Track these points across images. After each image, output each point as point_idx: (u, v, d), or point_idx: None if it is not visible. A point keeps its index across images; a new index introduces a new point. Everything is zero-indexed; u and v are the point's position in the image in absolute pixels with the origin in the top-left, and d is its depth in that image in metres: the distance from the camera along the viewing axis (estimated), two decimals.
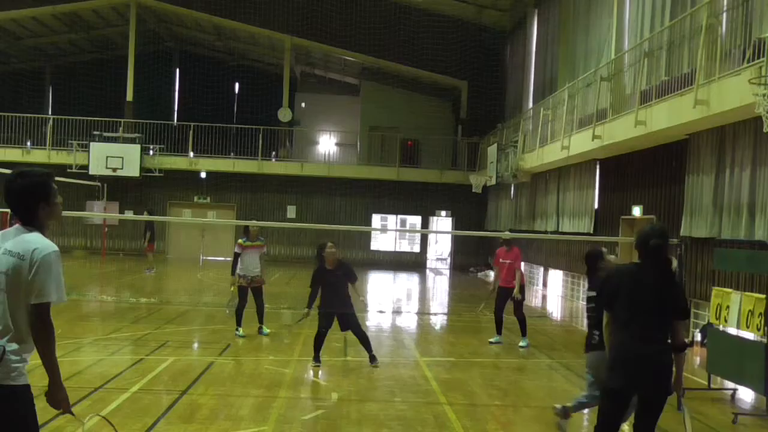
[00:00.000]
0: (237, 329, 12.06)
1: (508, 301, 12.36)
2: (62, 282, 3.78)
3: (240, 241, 12.27)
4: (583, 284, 19.99)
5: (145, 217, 24.08)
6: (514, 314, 12.28)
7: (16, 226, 3.87)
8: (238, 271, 12.12)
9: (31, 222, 3.85)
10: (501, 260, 12.50)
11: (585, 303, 6.99)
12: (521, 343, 12.17)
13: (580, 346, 13.31)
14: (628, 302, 5.14)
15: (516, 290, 12.16)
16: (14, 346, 3.70)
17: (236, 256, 12.15)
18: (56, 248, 3.82)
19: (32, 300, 3.69)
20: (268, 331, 12.34)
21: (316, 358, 9.90)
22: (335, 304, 9.95)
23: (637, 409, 5.31)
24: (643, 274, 5.20)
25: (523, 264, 13.35)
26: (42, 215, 3.87)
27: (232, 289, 12.36)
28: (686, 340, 5.43)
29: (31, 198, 3.85)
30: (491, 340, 12.58)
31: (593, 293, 6.54)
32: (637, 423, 5.31)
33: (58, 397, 3.80)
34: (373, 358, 10.02)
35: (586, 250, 7.77)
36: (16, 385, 3.69)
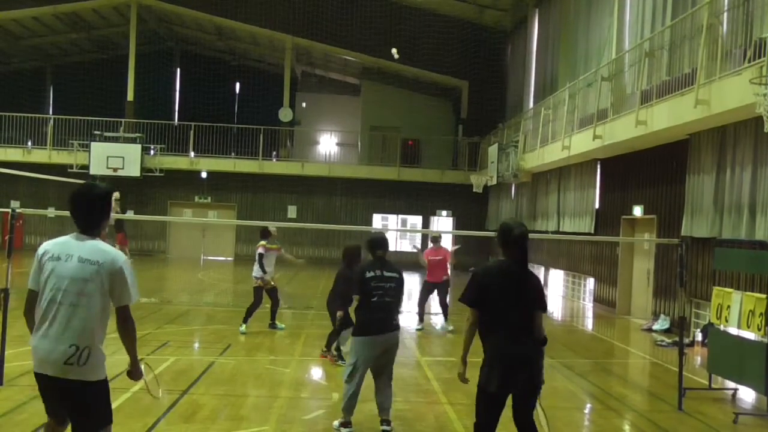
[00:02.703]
0: (242, 325, 12.28)
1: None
2: (136, 283, 4.36)
3: (264, 243, 12.47)
4: (584, 284, 20.00)
5: (150, 217, 24.05)
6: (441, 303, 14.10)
7: (76, 234, 4.32)
8: (258, 273, 12.40)
9: (92, 231, 4.34)
10: (430, 258, 14.05)
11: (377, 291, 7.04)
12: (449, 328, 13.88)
13: (580, 345, 13.36)
14: (497, 301, 5.08)
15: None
16: (100, 345, 4.25)
17: (261, 257, 12.36)
18: (125, 256, 4.40)
19: (116, 303, 4.26)
20: (283, 326, 12.87)
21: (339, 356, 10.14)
22: None
23: (513, 404, 5.23)
24: (507, 269, 5.21)
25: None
26: (103, 225, 4.42)
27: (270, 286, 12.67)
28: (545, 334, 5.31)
29: (102, 207, 4.40)
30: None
31: (393, 274, 7.10)
32: (517, 415, 5.24)
33: (138, 374, 4.53)
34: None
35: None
36: (101, 380, 4.27)
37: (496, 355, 5.07)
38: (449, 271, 14.38)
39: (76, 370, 4.14)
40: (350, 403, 6.92)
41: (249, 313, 12.39)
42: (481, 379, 5.11)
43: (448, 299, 14.54)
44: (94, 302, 4.18)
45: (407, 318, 15.95)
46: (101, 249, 4.26)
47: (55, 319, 4.16)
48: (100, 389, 4.27)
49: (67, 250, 4.23)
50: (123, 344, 4.38)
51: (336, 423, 6.95)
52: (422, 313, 14.26)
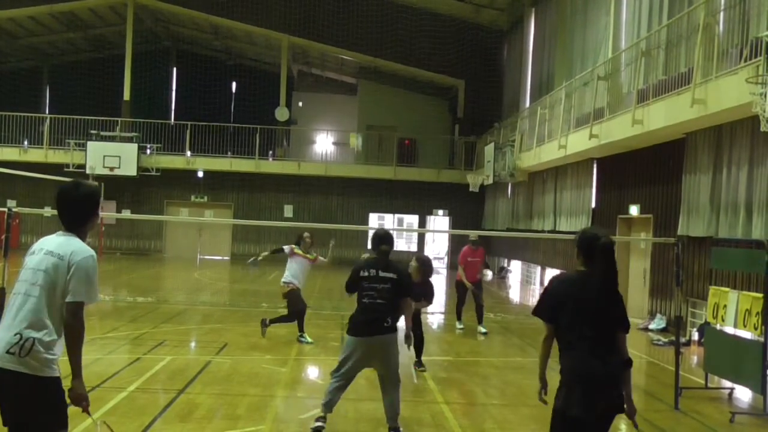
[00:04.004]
0: (303, 336, 11.67)
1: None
2: (96, 284, 4.04)
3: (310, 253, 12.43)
4: None
5: (146, 216, 24.02)
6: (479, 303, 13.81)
7: (59, 232, 4.17)
8: (291, 279, 11.99)
9: (76, 228, 4.17)
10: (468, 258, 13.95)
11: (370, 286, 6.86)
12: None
13: None
14: (574, 316, 4.59)
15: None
16: (47, 339, 3.88)
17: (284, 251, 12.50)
18: (93, 253, 4.10)
19: (67, 299, 3.92)
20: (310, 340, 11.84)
21: None
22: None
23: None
24: (589, 282, 4.62)
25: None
26: (89, 225, 4.23)
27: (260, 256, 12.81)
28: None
29: (87, 207, 4.22)
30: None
31: (390, 275, 6.87)
32: None
33: (80, 396, 3.97)
34: (419, 363, 9.87)
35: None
36: (47, 377, 3.85)
37: (575, 375, 4.63)
38: (483, 272, 14.37)
39: (15, 360, 3.81)
40: (329, 398, 6.80)
41: (299, 322, 11.71)
42: (558, 401, 4.65)
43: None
44: (47, 294, 3.92)
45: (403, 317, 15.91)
46: (69, 243, 4.05)
47: (11, 309, 3.98)
48: (42, 388, 3.84)
49: (41, 245, 4.12)
50: (66, 349, 3.97)
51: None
52: (460, 312, 14.01)
